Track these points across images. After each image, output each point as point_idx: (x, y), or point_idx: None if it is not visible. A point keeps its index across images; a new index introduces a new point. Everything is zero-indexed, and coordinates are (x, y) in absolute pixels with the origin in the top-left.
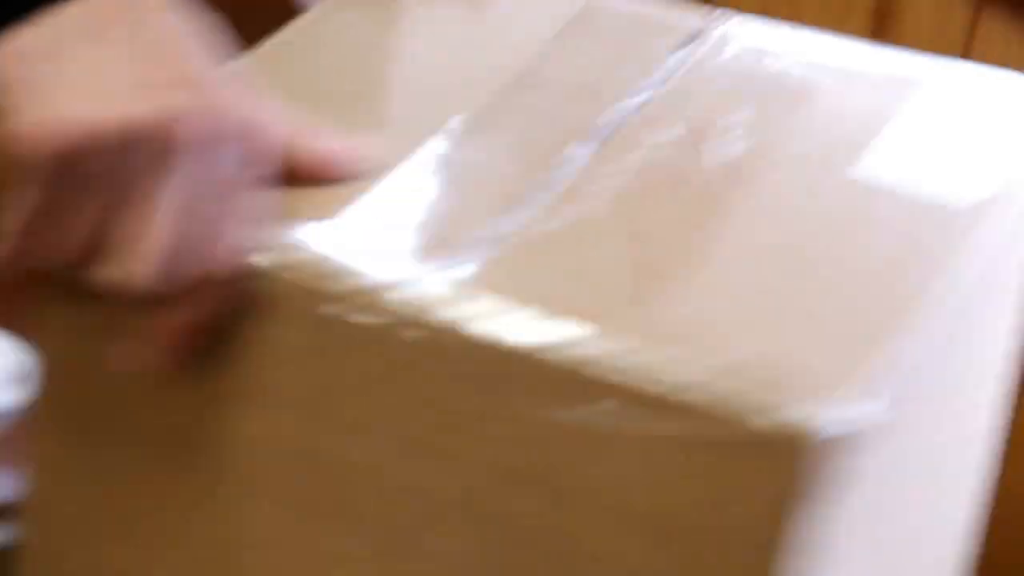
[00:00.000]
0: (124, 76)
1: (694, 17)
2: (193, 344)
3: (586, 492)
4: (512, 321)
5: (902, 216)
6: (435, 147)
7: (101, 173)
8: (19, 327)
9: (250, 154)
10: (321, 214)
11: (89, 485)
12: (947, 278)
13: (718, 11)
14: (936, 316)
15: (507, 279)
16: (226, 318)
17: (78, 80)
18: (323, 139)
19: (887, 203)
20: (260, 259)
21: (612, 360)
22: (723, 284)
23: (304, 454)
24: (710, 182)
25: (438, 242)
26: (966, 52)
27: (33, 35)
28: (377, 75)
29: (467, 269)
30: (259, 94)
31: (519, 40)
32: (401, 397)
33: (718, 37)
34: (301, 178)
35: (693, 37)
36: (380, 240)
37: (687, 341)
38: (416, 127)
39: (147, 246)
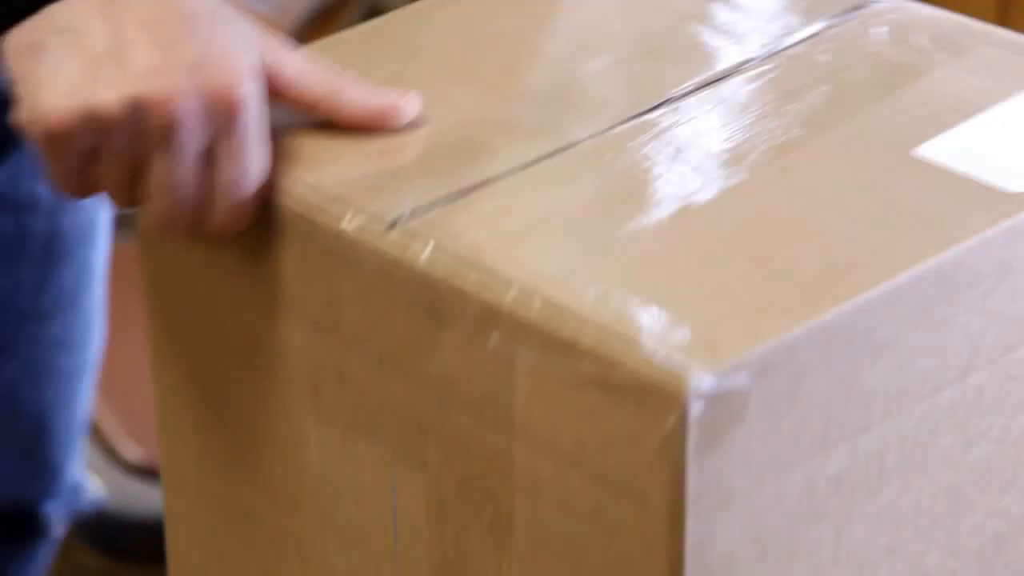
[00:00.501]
0: (93, 65)
1: None
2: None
3: (509, 419)
4: (457, 262)
5: (937, 195)
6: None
7: (102, 143)
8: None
9: (251, 118)
10: (336, 157)
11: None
12: (943, 256)
13: None
14: (912, 295)
15: (468, 225)
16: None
17: (58, 71)
18: (357, 94)
19: (931, 181)
20: (280, 192)
21: (537, 299)
22: (688, 242)
23: (316, 362)
24: (752, 148)
25: (413, 184)
26: None
27: (23, 30)
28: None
29: (442, 214)
30: (293, 52)
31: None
32: (376, 317)
33: (873, 14)
34: (343, 127)
35: (848, 11)
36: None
37: (613, 286)
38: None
39: (170, 198)
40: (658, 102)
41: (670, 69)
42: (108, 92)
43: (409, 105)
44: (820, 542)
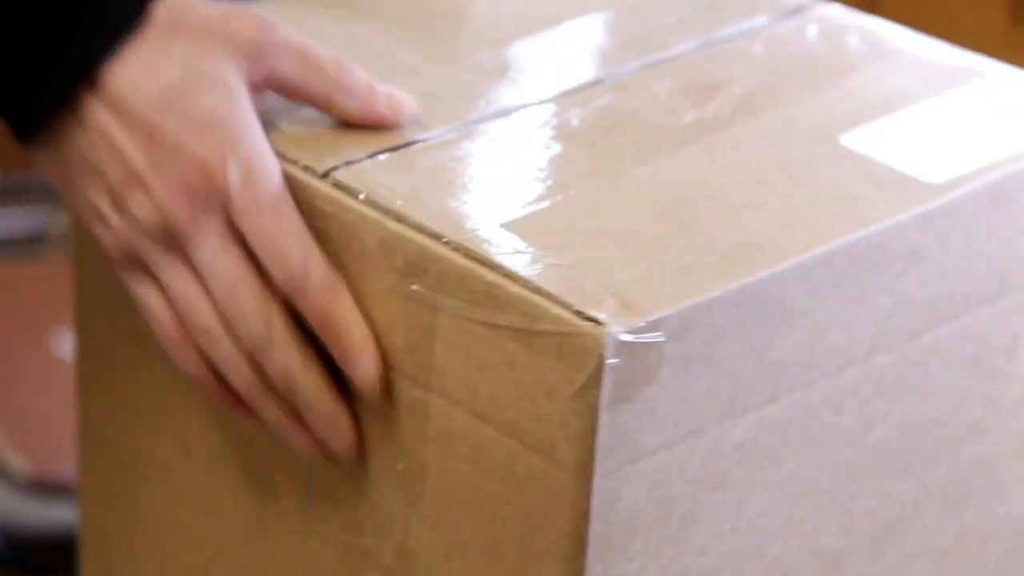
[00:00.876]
0: (113, 199)
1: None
2: None
3: (428, 371)
4: (386, 212)
5: (857, 180)
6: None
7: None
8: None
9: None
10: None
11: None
12: (856, 236)
13: None
14: (826, 270)
15: (399, 179)
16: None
17: (94, 209)
18: (356, 96)
19: (852, 167)
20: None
21: (464, 250)
22: (613, 206)
23: None
24: (677, 127)
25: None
26: None
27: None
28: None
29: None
30: (287, 44)
31: None
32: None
33: (808, 16)
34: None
35: (786, 12)
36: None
37: (537, 241)
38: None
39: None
40: (596, 77)
41: (612, 48)
42: (126, 229)
43: (409, 106)
44: (722, 509)
